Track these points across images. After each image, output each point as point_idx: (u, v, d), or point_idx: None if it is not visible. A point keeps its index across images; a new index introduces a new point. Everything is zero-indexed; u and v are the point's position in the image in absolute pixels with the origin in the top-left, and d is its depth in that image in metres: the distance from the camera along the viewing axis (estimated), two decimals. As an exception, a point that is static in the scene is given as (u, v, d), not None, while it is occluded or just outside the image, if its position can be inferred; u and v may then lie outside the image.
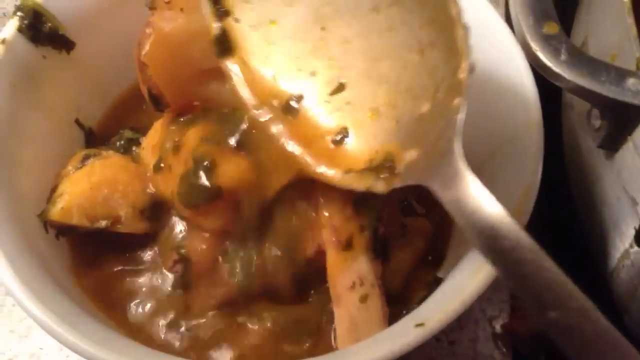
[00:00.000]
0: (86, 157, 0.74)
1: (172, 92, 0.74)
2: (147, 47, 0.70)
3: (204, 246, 0.69)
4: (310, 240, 0.71)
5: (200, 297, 0.71)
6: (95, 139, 0.85)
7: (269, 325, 0.71)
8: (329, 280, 0.69)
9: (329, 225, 0.69)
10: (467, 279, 0.61)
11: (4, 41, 0.72)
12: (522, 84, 0.71)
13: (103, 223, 0.70)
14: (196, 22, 0.68)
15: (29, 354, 0.80)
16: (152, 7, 0.70)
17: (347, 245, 0.68)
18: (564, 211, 0.89)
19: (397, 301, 0.74)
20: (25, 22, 0.74)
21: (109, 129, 0.85)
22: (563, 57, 0.66)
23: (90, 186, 0.70)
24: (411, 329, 0.58)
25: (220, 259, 0.69)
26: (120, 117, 0.86)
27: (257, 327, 0.71)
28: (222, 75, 0.73)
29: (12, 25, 0.73)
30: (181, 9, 0.68)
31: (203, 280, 0.70)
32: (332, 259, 0.69)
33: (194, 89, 0.74)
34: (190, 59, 0.70)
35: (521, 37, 0.69)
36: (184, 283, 0.71)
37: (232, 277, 0.70)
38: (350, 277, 0.68)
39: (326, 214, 0.69)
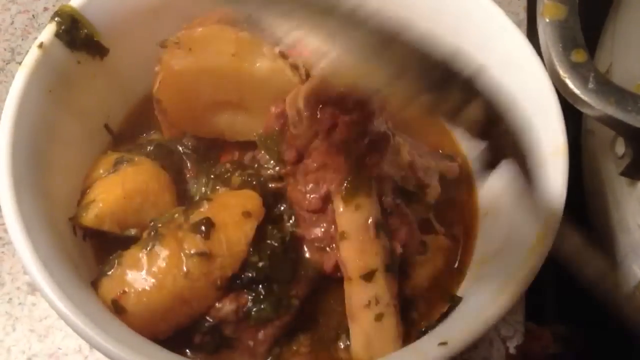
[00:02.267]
0: (118, 162, 0.76)
1: (186, 124, 0.78)
2: (157, 84, 0.73)
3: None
4: (327, 260, 0.72)
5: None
6: (120, 140, 0.86)
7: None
8: (345, 297, 0.70)
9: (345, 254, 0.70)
10: (490, 299, 0.62)
11: (41, 45, 0.73)
12: (548, 110, 0.72)
13: (133, 231, 0.71)
14: (203, 60, 0.72)
15: (47, 354, 0.81)
16: (162, 46, 0.73)
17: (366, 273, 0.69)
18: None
19: (416, 318, 0.75)
20: (63, 27, 0.75)
21: (133, 128, 0.87)
22: (591, 85, 0.68)
23: (124, 194, 0.71)
24: (434, 348, 0.59)
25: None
26: (143, 117, 0.87)
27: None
28: (233, 107, 0.76)
29: (49, 30, 0.75)
30: (190, 49, 0.71)
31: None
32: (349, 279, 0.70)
33: (207, 120, 0.77)
34: (200, 93, 0.75)
35: (550, 64, 0.70)
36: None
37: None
38: (366, 295, 0.69)
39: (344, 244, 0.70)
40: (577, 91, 0.68)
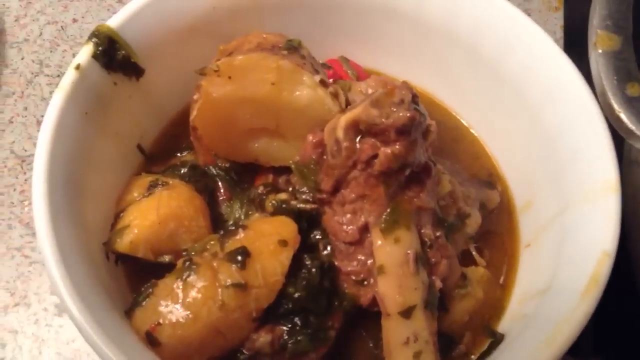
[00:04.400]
0: (152, 185, 0.74)
1: (220, 149, 0.77)
2: (195, 112, 0.72)
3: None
4: (365, 294, 0.70)
5: None
6: (153, 161, 0.84)
7: None
8: (383, 333, 0.68)
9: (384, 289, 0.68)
10: (543, 344, 0.59)
11: (78, 67, 0.72)
12: (600, 142, 0.70)
13: (167, 258, 0.69)
14: (243, 89, 0.71)
15: (74, 378, 0.80)
16: (202, 73, 0.72)
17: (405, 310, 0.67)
18: (616, 268, 0.87)
19: (455, 355, 0.73)
20: (100, 48, 0.74)
21: (165, 149, 0.85)
22: (646, 120, 0.65)
23: (159, 220, 0.69)
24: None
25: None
26: (176, 137, 0.86)
27: None
28: (269, 134, 0.74)
29: (86, 51, 0.73)
30: (229, 77, 0.70)
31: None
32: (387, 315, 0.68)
33: (243, 146, 0.76)
34: (237, 121, 0.73)
35: (603, 97, 0.68)
36: None
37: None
38: (404, 332, 0.67)
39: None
40: (632, 127, 0.65)
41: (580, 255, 0.65)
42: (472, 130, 0.91)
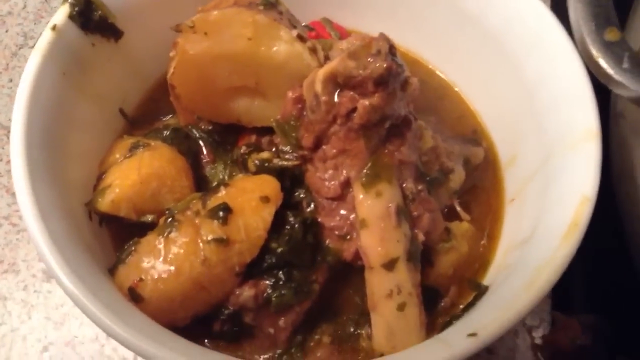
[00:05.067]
0: (134, 146, 0.74)
1: (201, 110, 0.76)
2: (172, 69, 0.71)
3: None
4: (348, 248, 0.70)
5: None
6: (136, 124, 0.84)
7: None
8: (367, 286, 0.68)
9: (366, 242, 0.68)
10: (522, 289, 0.59)
11: (54, 27, 0.71)
12: (581, 91, 0.69)
13: (150, 217, 0.70)
14: (219, 45, 0.70)
15: (64, 342, 0.80)
16: (177, 30, 0.71)
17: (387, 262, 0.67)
18: (607, 224, 0.87)
19: (441, 308, 0.73)
20: (76, 9, 0.73)
21: (148, 113, 0.85)
22: (625, 65, 0.65)
23: (141, 180, 0.69)
24: (463, 339, 0.56)
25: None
26: (159, 101, 0.85)
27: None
28: (250, 92, 0.74)
29: (63, 12, 0.73)
30: (205, 33, 0.69)
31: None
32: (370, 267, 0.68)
33: (224, 106, 0.75)
34: (216, 78, 0.73)
35: (581, 44, 0.67)
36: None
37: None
38: (387, 284, 0.67)
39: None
40: (610, 71, 0.65)
41: (561, 201, 0.65)
42: (456, 89, 0.90)
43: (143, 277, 0.64)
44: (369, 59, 0.65)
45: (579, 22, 0.67)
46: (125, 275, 0.65)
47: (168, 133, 0.78)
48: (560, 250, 0.60)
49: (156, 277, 0.64)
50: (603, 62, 0.65)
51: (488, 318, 0.57)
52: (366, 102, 0.66)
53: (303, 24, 0.90)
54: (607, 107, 0.88)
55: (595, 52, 0.66)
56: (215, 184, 0.76)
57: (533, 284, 0.58)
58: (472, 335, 0.56)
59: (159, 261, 0.64)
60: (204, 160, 0.80)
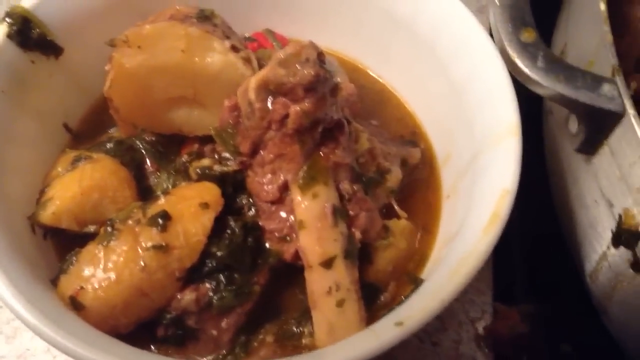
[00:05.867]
0: (77, 160, 0.75)
1: (141, 121, 0.78)
2: (108, 83, 0.73)
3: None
4: (287, 249, 0.73)
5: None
6: (81, 138, 0.85)
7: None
8: (307, 285, 0.71)
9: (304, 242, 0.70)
10: (446, 279, 0.62)
11: (-8, 46, 0.73)
12: (502, 90, 0.73)
13: (92, 228, 0.71)
14: (154, 58, 0.72)
15: (16, 355, 0.81)
16: (111, 45, 0.73)
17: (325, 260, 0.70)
18: (543, 216, 0.90)
19: (382, 303, 0.75)
20: (14, 27, 0.75)
21: (93, 127, 0.86)
22: (540, 64, 0.68)
23: (81, 191, 0.71)
24: (390, 328, 0.59)
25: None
26: (103, 115, 0.86)
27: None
28: (188, 103, 0.76)
29: (0, 32, 0.74)
30: (139, 47, 0.72)
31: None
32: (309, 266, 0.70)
33: (163, 116, 0.78)
34: (153, 90, 0.75)
35: (500, 45, 0.71)
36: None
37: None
38: (326, 282, 0.70)
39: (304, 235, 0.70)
40: (526, 70, 0.68)
41: (485, 194, 0.68)
42: (396, 93, 0.93)
43: (84, 285, 0.66)
44: (297, 67, 0.68)
45: (497, 25, 0.71)
46: (67, 285, 0.67)
47: (112, 145, 0.80)
48: (482, 241, 0.63)
49: (96, 285, 0.65)
50: (519, 62, 0.69)
51: (414, 308, 0.60)
52: (297, 107, 0.69)
53: (247, 35, 0.93)
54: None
55: (512, 52, 0.69)
56: (159, 193, 0.78)
57: (456, 273, 0.61)
58: (399, 324, 0.59)
59: (99, 269, 0.66)
60: (148, 171, 0.82)
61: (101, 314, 0.65)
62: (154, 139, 0.82)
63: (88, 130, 0.86)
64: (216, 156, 0.79)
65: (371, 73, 0.96)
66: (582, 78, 0.67)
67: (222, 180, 0.75)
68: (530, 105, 0.80)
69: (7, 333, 0.82)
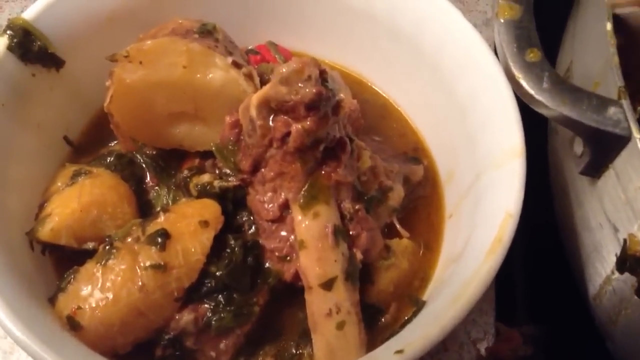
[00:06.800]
0: (76, 174, 0.75)
1: (142, 136, 0.78)
2: (109, 98, 0.73)
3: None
4: (288, 269, 0.72)
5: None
6: (81, 152, 0.85)
7: None
8: (307, 306, 0.70)
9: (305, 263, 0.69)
10: (448, 304, 0.61)
11: (-8, 59, 0.72)
12: (506, 111, 0.72)
13: (91, 245, 0.70)
14: (155, 73, 0.72)
15: (12, 370, 0.80)
16: (112, 60, 0.72)
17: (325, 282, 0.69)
18: (547, 237, 0.89)
19: (383, 325, 0.74)
20: (15, 40, 0.74)
21: (93, 140, 0.86)
22: (545, 85, 0.67)
23: (80, 208, 0.70)
24: (391, 356, 0.58)
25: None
26: (104, 128, 0.86)
27: None
28: (190, 118, 0.75)
29: (1, 44, 0.74)
30: (140, 62, 0.71)
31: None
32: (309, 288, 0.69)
33: (165, 131, 0.77)
34: (154, 106, 0.74)
35: (505, 65, 0.70)
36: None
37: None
38: (326, 304, 0.69)
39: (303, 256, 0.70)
40: (531, 91, 0.67)
41: (487, 217, 0.67)
42: (398, 108, 0.92)
43: (81, 305, 0.65)
44: (299, 84, 0.67)
45: (502, 45, 0.70)
46: (64, 304, 0.66)
47: (112, 159, 0.79)
48: (485, 265, 0.62)
49: (94, 304, 0.65)
50: (524, 83, 0.68)
51: (415, 335, 0.59)
52: (299, 126, 0.68)
53: (249, 47, 0.92)
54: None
55: (517, 72, 0.68)
56: (158, 209, 0.77)
57: (459, 299, 0.60)
58: (399, 352, 0.58)
59: (97, 289, 0.65)
60: (148, 185, 0.81)
61: (98, 334, 0.64)
62: (154, 152, 0.81)
63: (88, 143, 0.85)
64: (217, 171, 0.78)
65: (374, 87, 0.95)
66: (588, 100, 0.66)
67: (222, 197, 0.74)
68: (535, 123, 0.79)
69: (5, 348, 0.82)
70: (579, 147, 0.72)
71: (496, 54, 0.74)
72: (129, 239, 0.69)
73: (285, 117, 0.68)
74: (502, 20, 0.71)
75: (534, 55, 0.69)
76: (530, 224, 0.77)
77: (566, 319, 0.87)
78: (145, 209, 0.78)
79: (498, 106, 0.72)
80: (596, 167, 0.70)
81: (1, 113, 0.72)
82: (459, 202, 0.78)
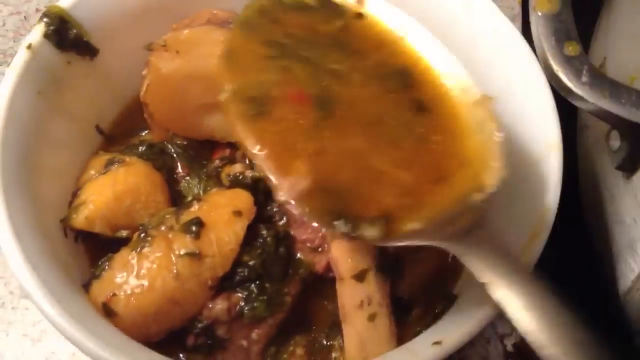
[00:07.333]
0: (110, 163, 0.75)
1: (175, 126, 0.78)
2: (144, 88, 0.73)
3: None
4: (319, 260, 0.72)
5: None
6: (112, 140, 0.85)
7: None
8: (338, 298, 0.70)
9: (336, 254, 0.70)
10: (482, 298, 0.60)
11: (30, 46, 0.73)
12: (543, 106, 0.72)
13: (124, 233, 0.71)
14: (192, 62, 0.72)
15: (41, 358, 0.81)
16: (149, 49, 0.72)
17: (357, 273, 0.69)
18: (576, 233, 0.89)
19: (413, 318, 0.74)
20: (51, 27, 0.74)
21: (125, 129, 0.86)
22: (584, 78, 0.67)
23: (115, 196, 0.70)
24: (428, 347, 0.58)
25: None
26: (135, 117, 0.86)
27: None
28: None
29: (38, 31, 0.74)
30: (177, 52, 0.71)
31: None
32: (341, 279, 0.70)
33: (197, 122, 0.77)
34: (188, 96, 0.74)
35: (543, 58, 0.69)
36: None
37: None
38: (358, 296, 0.69)
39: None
40: (570, 85, 0.67)
41: (524, 212, 0.67)
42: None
43: (116, 292, 0.65)
44: None
45: (540, 38, 0.69)
46: (99, 291, 0.66)
47: (144, 149, 0.80)
48: (521, 260, 0.61)
49: (129, 292, 0.65)
50: (563, 76, 0.67)
51: (452, 327, 0.59)
52: None
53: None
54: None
55: (555, 66, 0.68)
56: (189, 198, 0.78)
57: (495, 293, 0.60)
58: (437, 343, 0.58)
59: (132, 276, 0.65)
60: (179, 175, 0.81)
61: (133, 321, 0.65)
62: (185, 143, 0.81)
63: (120, 133, 0.85)
64: (247, 161, 0.78)
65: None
66: (627, 94, 0.66)
67: (253, 187, 0.74)
68: (561, 119, 0.79)
69: (33, 336, 0.82)
70: (615, 141, 0.71)
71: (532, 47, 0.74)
72: (163, 228, 0.69)
73: None
74: (539, 13, 0.70)
75: (572, 48, 0.68)
76: (556, 220, 0.77)
77: (593, 315, 0.86)
78: (175, 199, 0.79)
79: (534, 98, 0.72)
80: (633, 161, 0.69)
81: (38, 100, 0.72)
82: (492, 196, 0.78)
